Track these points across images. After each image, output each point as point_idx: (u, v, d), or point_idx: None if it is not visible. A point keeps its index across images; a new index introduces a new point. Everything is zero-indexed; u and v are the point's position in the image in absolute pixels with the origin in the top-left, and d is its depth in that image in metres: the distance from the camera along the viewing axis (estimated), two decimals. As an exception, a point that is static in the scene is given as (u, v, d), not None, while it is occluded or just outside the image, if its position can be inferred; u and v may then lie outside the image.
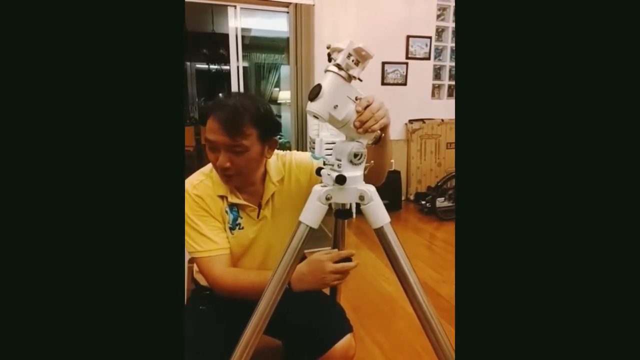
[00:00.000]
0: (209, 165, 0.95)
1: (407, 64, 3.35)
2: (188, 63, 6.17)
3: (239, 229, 0.95)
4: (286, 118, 5.54)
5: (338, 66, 0.65)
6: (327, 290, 1.13)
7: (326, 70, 0.67)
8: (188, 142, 4.62)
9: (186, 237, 0.89)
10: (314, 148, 2.90)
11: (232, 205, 0.94)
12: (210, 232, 0.90)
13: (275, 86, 6.02)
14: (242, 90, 3.11)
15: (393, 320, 1.59)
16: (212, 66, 6.33)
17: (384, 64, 3.27)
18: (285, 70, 5.47)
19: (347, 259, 0.85)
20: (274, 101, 5.95)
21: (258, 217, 0.96)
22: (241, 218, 0.95)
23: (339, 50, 0.65)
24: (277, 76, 6.03)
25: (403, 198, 3.48)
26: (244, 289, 0.85)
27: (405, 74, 3.37)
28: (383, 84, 3.31)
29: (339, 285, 1.11)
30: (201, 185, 0.92)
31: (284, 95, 5.39)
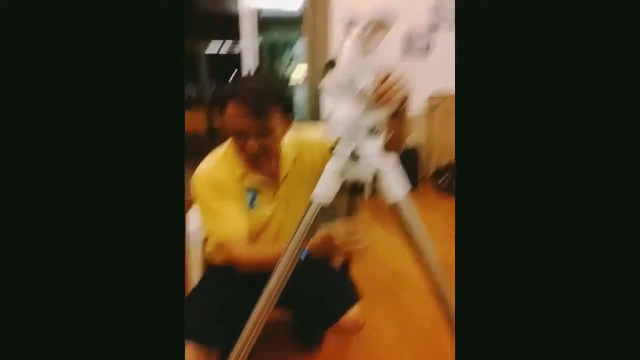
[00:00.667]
0: (221, 148, 0.95)
1: (431, 34, 3.19)
2: (198, 45, 6.14)
3: (256, 208, 0.95)
4: (300, 96, 5.50)
5: (355, 38, 0.61)
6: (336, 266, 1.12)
7: (342, 43, 0.63)
8: (200, 126, 4.64)
9: (205, 221, 0.90)
10: (328, 125, 2.86)
11: (249, 186, 0.94)
12: (229, 215, 0.90)
13: (289, 64, 5.95)
14: (254, 71, 3.07)
15: (404, 296, 1.58)
16: (222, 47, 6.27)
17: (406, 33, 3.12)
18: (299, 48, 5.37)
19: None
20: (288, 80, 5.89)
21: (274, 196, 0.96)
22: (258, 198, 0.95)
23: (357, 22, 0.62)
24: (291, 54, 5.94)
25: (421, 176, 3.42)
26: (263, 264, 0.85)
27: (429, 44, 3.21)
28: (405, 54, 3.17)
29: (350, 260, 1.11)
30: (216, 169, 0.91)
31: (298, 72, 5.31)
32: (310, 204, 0.67)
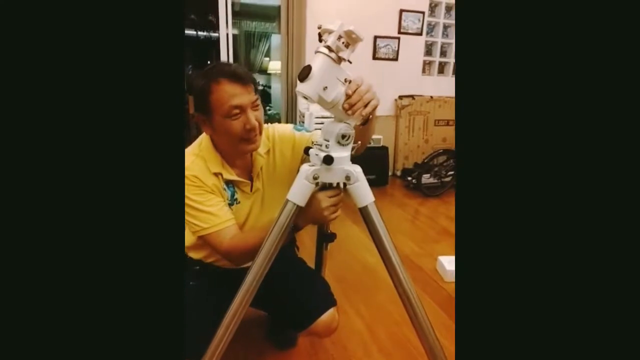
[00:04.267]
0: (195, 145, 0.96)
1: (399, 38, 3.30)
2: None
3: (237, 203, 0.97)
4: (276, 89, 5.44)
5: (328, 48, 0.65)
6: (312, 264, 1.17)
7: (316, 52, 0.67)
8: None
9: (189, 219, 0.89)
10: (303, 122, 2.89)
11: (227, 182, 0.95)
12: (213, 208, 0.90)
13: (266, 56, 5.87)
14: (232, 58, 3.03)
15: (374, 292, 1.67)
16: (200, 33, 6.08)
17: (375, 38, 3.22)
18: (275, 40, 5.30)
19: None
20: (264, 71, 5.81)
21: (251, 190, 0.98)
22: (237, 193, 0.97)
23: (330, 32, 0.66)
24: (267, 45, 5.86)
25: (390, 174, 3.53)
26: (256, 247, 0.80)
27: (396, 49, 3.32)
28: (374, 58, 3.27)
29: (325, 259, 1.16)
30: (194, 165, 0.91)
31: (274, 65, 5.27)
32: (285, 203, 0.72)
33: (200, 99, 0.85)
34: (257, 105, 0.87)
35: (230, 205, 0.96)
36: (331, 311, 1.00)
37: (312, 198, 0.82)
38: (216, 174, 0.93)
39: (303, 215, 0.81)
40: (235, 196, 0.97)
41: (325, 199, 0.78)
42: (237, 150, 0.91)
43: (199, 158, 0.93)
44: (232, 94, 0.82)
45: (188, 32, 6.09)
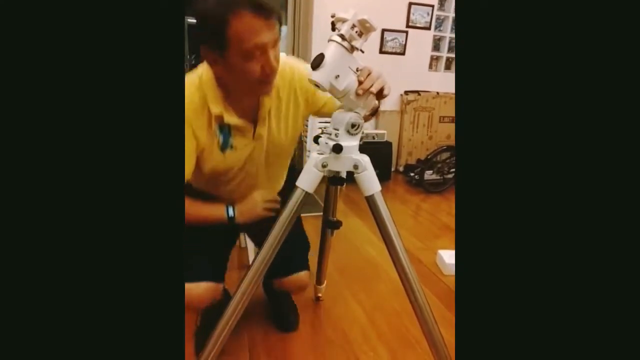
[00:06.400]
0: (195, 77, 0.83)
1: (407, 32, 3.29)
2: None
3: (231, 149, 0.88)
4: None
5: (342, 36, 0.66)
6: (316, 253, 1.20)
7: (329, 40, 0.68)
8: (180, 100, 4.48)
9: None
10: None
11: (222, 126, 0.85)
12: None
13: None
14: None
15: (375, 283, 1.69)
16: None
17: (383, 31, 3.20)
18: (282, 31, 5.30)
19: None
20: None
21: (253, 136, 0.90)
22: (233, 138, 0.87)
23: (344, 21, 0.67)
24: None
25: (393, 169, 3.54)
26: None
27: (404, 43, 3.31)
28: (381, 52, 3.26)
29: (329, 245, 1.22)
30: (188, 99, 0.79)
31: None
32: (294, 190, 0.74)
33: (214, 31, 0.69)
34: (278, 42, 0.74)
35: (222, 150, 0.88)
36: (305, 272, 1.13)
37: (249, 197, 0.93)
38: (215, 116, 0.82)
39: (239, 211, 0.93)
40: (230, 142, 0.87)
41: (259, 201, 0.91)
42: (249, 91, 0.80)
43: (199, 91, 0.81)
44: (254, 30, 0.68)
45: (192, 20, 6.07)
